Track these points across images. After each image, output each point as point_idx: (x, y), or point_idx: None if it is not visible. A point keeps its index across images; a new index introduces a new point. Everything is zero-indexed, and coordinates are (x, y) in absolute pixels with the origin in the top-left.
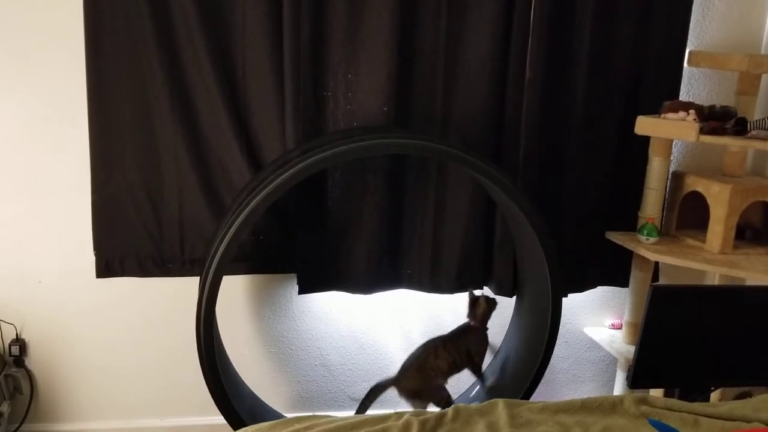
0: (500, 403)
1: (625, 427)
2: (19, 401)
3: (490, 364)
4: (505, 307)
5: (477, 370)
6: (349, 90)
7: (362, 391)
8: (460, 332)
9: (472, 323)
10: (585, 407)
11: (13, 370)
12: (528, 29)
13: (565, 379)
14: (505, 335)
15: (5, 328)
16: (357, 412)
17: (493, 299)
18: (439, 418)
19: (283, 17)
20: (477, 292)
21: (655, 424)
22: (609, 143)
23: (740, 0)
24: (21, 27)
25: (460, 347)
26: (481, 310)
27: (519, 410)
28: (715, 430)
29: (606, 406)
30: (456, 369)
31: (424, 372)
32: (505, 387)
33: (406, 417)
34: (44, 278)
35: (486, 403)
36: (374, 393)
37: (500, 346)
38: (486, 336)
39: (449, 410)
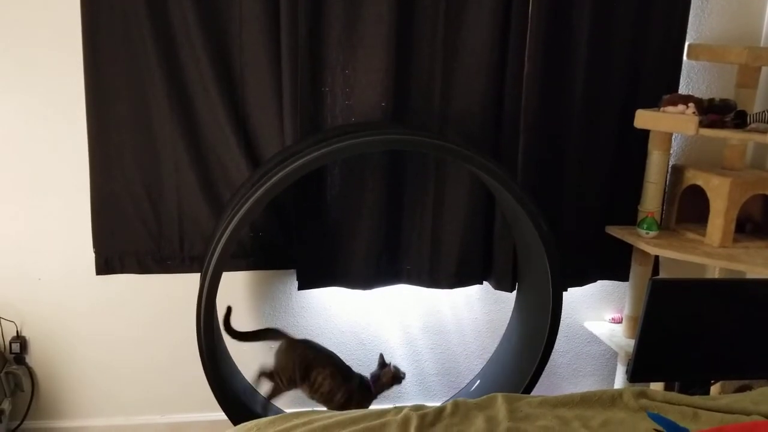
0: (499, 398)
1: (624, 420)
2: (20, 398)
3: (490, 359)
4: (506, 302)
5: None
6: (347, 86)
7: None
8: (358, 383)
9: (372, 388)
10: (584, 401)
11: (14, 367)
12: (526, 23)
13: (566, 374)
14: (506, 330)
15: (6, 325)
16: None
17: (403, 375)
18: (438, 413)
19: (281, 13)
20: (388, 360)
21: (654, 417)
22: (608, 137)
23: None
24: (19, 26)
25: (346, 393)
26: (384, 380)
27: (518, 404)
28: (715, 423)
29: (605, 400)
30: (329, 402)
31: (311, 370)
32: (505, 381)
33: (405, 411)
34: (44, 276)
35: (485, 397)
36: (269, 335)
37: (500, 342)
38: (370, 402)
39: (448, 404)
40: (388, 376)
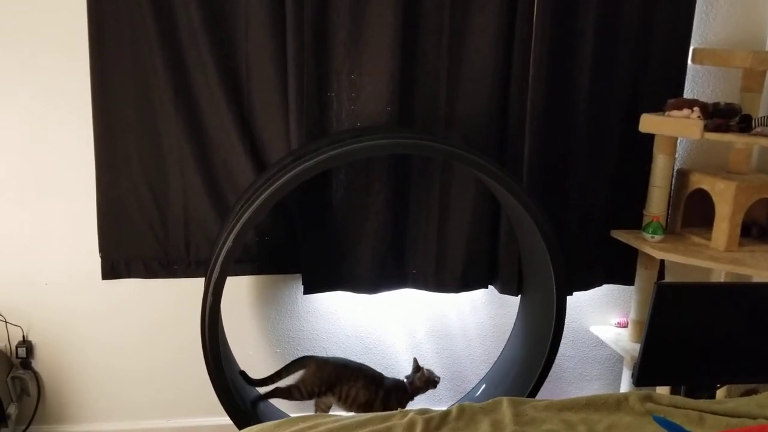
0: (504, 402)
1: (630, 424)
2: (26, 403)
3: (495, 363)
4: (511, 306)
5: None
6: (352, 91)
7: None
8: (392, 387)
9: (408, 389)
10: (590, 405)
11: (21, 372)
12: (531, 28)
13: (571, 378)
14: (511, 334)
15: (12, 330)
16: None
17: (437, 378)
18: (444, 417)
19: (286, 18)
20: (421, 364)
21: (659, 421)
22: (613, 141)
23: None
24: (25, 30)
25: (383, 398)
26: (418, 384)
27: (523, 408)
28: (721, 427)
29: (611, 404)
30: (365, 409)
31: (341, 385)
32: (510, 385)
33: (410, 415)
34: (51, 280)
35: (490, 401)
36: (297, 365)
37: (505, 346)
38: (407, 403)
39: (453, 408)
40: (422, 380)
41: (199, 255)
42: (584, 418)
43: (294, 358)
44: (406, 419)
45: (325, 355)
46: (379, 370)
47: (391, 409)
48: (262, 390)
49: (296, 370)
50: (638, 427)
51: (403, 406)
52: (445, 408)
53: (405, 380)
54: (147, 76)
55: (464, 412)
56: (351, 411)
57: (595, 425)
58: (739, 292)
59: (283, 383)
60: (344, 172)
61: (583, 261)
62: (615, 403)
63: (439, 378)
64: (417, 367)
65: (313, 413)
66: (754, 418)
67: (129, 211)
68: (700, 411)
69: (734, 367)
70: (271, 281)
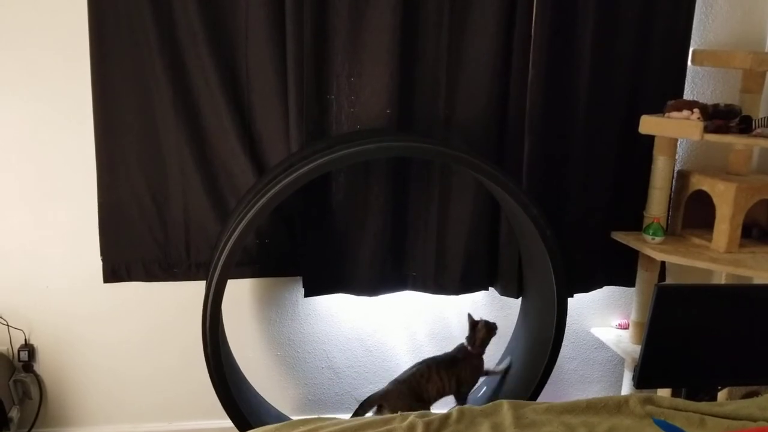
0: (505, 404)
1: (630, 427)
2: (28, 406)
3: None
4: (512, 308)
5: (462, 400)
6: (352, 93)
7: (369, 393)
8: (455, 358)
9: (469, 348)
10: (590, 407)
11: (22, 375)
12: (530, 29)
13: (573, 380)
14: (512, 336)
15: (14, 333)
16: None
17: (494, 324)
18: (444, 420)
19: (286, 21)
20: (476, 317)
21: (660, 423)
22: (613, 143)
23: None
24: (26, 34)
25: (451, 375)
26: (480, 336)
27: (524, 411)
28: (721, 429)
29: (611, 406)
30: (442, 395)
31: (415, 393)
32: (511, 388)
33: (410, 419)
34: (52, 284)
35: (491, 404)
36: (364, 408)
37: (506, 349)
38: (482, 365)
39: (454, 411)
40: (482, 332)
41: (200, 257)
42: (584, 421)
43: (296, 361)
44: (406, 423)
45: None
46: (379, 372)
47: (461, 385)
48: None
49: (366, 412)
50: (638, 430)
51: (480, 369)
52: (445, 411)
53: (466, 342)
54: (147, 79)
55: (464, 415)
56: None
57: (595, 428)
58: (739, 293)
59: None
60: (344, 175)
61: (583, 263)
62: (615, 406)
63: (495, 323)
64: (473, 323)
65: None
66: (755, 420)
67: (130, 214)
68: (701, 413)
69: (735, 369)
70: (272, 284)
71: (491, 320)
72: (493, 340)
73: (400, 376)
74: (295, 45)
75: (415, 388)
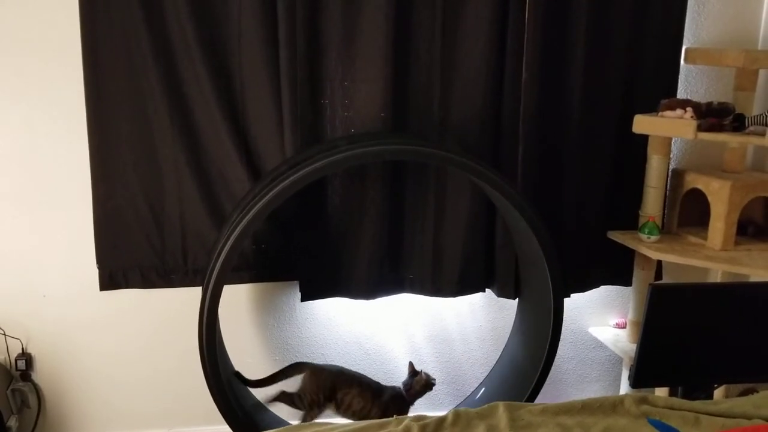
0: (500, 406)
1: (625, 427)
2: (26, 415)
3: (494, 367)
4: (509, 309)
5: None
6: (346, 97)
7: None
8: (390, 395)
9: (404, 394)
10: (586, 408)
11: (20, 384)
12: (523, 31)
13: (571, 380)
14: (509, 337)
15: (11, 342)
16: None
17: (433, 380)
18: (439, 423)
19: (279, 26)
20: (419, 368)
21: (654, 423)
22: (607, 142)
23: None
24: (20, 42)
25: (380, 406)
26: (417, 388)
27: (519, 413)
28: (717, 428)
29: (607, 407)
30: (361, 417)
31: (337, 391)
32: (509, 389)
33: (406, 422)
34: (49, 292)
35: (486, 406)
36: (291, 371)
37: (504, 349)
38: (407, 410)
39: (449, 414)
40: (420, 383)
41: (196, 264)
42: (580, 422)
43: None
44: (401, 426)
45: (321, 363)
46: (378, 375)
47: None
48: (263, 395)
49: (292, 375)
50: (633, 430)
51: (404, 413)
52: (443, 413)
53: (402, 387)
54: (141, 87)
55: (460, 418)
56: (347, 419)
57: (590, 429)
58: (733, 291)
59: (283, 387)
60: (339, 179)
61: (579, 263)
62: (611, 406)
63: (435, 380)
64: (414, 372)
65: (312, 422)
66: (750, 418)
67: (126, 221)
68: (696, 412)
69: (731, 367)
70: (269, 289)
71: (432, 376)
72: (492, 342)
73: (339, 368)
74: (288, 50)
75: (332, 385)
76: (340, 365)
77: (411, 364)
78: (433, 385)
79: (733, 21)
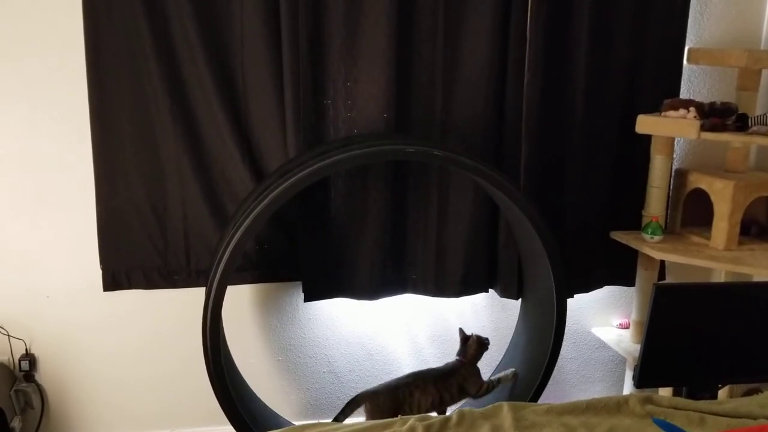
0: (505, 406)
1: (630, 427)
2: (30, 416)
3: (497, 367)
4: (512, 309)
5: (478, 397)
6: (348, 98)
7: None
8: (451, 370)
9: (463, 360)
10: (590, 408)
11: (24, 385)
12: (525, 31)
13: (575, 380)
14: (512, 337)
15: (15, 343)
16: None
17: (486, 339)
18: (444, 423)
19: (281, 27)
20: (468, 332)
21: (659, 423)
22: (610, 143)
23: None
24: (22, 44)
25: (450, 385)
26: (471, 351)
27: (524, 413)
28: (721, 428)
29: (611, 407)
30: (443, 405)
31: (403, 402)
32: (513, 388)
33: (410, 422)
34: (52, 293)
35: (490, 406)
36: (352, 406)
37: (507, 349)
38: (477, 369)
39: (454, 414)
40: (473, 347)
41: (199, 264)
42: (584, 422)
43: (297, 366)
44: (406, 426)
45: (373, 387)
46: (381, 376)
47: (467, 392)
48: None
49: (355, 409)
50: (638, 430)
51: (478, 376)
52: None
53: (457, 357)
54: (144, 87)
55: (464, 418)
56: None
57: (595, 428)
58: (737, 291)
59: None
60: (342, 179)
61: (583, 263)
62: (615, 406)
63: (488, 338)
64: (465, 337)
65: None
66: (755, 418)
67: (129, 222)
68: (701, 412)
69: (735, 367)
70: (272, 289)
71: (483, 335)
72: (495, 342)
73: (392, 384)
74: (290, 51)
75: (403, 399)
76: (390, 378)
77: (461, 330)
78: (487, 344)
79: (736, 21)
